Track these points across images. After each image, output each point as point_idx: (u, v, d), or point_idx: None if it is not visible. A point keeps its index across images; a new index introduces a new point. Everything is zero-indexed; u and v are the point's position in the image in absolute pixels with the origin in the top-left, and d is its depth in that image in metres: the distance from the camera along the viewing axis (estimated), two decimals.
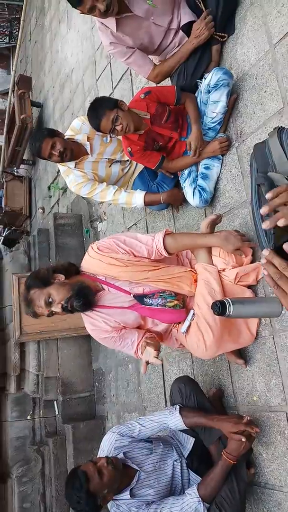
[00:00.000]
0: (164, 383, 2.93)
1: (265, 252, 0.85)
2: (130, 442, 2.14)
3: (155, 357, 1.91)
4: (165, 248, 1.99)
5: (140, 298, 2.06)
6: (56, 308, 1.96)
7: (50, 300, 1.95)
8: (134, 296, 2.05)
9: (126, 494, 1.96)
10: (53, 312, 2.00)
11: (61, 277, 2.00)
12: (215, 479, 1.90)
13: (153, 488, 2.02)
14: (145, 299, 2.05)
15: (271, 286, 0.87)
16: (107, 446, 2.13)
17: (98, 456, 2.07)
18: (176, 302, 2.06)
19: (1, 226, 7.37)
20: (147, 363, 1.96)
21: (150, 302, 2.05)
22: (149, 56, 2.51)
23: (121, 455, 2.07)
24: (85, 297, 1.98)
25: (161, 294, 2.06)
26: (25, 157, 6.92)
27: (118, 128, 2.21)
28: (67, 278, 2.01)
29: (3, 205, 7.07)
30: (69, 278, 2.01)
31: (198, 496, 1.90)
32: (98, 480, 1.88)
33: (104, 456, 2.02)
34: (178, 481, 2.11)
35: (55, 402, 3.98)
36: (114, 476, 1.92)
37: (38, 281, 1.97)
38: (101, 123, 2.23)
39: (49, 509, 3.59)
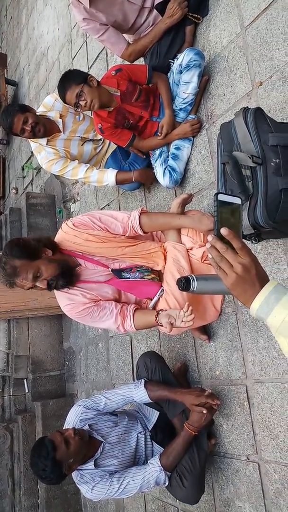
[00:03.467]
0: (132, 360, 2.99)
1: (209, 238, 0.93)
2: (95, 415, 2.18)
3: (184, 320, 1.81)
4: (140, 226, 2.01)
5: (117, 272, 2.08)
6: (41, 284, 1.94)
7: (38, 274, 1.92)
8: (112, 270, 2.08)
9: (90, 464, 2.02)
10: (35, 286, 1.96)
11: (49, 252, 1.97)
12: (176, 449, 1.98)
13: (117, 458, 2.08)
14: (122, 273, 2.08)
15: (213, 267, 0.95)
16: (73, 418, 2.17)
17: (64, 428, 2.11)
18: (153, 275, 2.11)
19: None
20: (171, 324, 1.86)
21: (128, 276, 2.08)
22: (123, 34, 2.51)
23: (86, 427, 2.11)
24: (70, 276, 2.00)
25: (139, 269, 2.09)
26: None
27: (82, 103, 2.23)
28: (53, 254, 1.99)
29: None
30: (54, 254, 2.00)
31: (160, 465, 1.97)
32: (65, 449, 1.92)
33: (71, 427, 2.07)
34: (141, 453, 2.18)
35: (25, 380, 4.00)
36: (80, 446, 1.97)
37: (27, 252, 1.92)
38: (66, 96, 2.26)
39: (17, 484, 3.63)
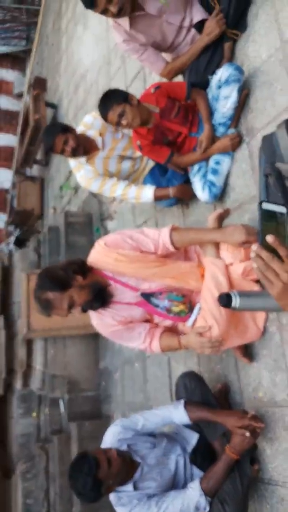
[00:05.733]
0: (170, 381, 2.93)
1: (254, 247, 0.92)
2: (133, 436, 2.14)
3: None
4: (171, 243, 1.99)
5: (147, 296, 2.06)
6: (76, 311, 1.96)
7: (71, 303, 1.93)
8: (141, 294, 2.06)
9: (129, 487, 1.97)
10: (71, 312, 1.98)
11: (80, 278, 1.97)
12: (218, 473, 1.90)
13: (155, 481, 2.02)
14: (151, 298, 2.06)
15: (259, 277, 0.93)
16: (111, 438, 2.13)
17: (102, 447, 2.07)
18: (182, 307, 2.06)
19: (13, 226, 7.45)
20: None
21: (157, 303, 2.06)
22: (162, 53, 2.55)
23: (124, 447, 2.07)
24: (103, 298, 2.01)
25: (169, 295, 2.06)
26: (38, 157, 7.01)
27: (124, 122, 2.25)
28: (83, 278, 1.99)
29: (15, 206, 7.15)
30: (85, 278, 1.99)
31: (201, 489, 1.89)
32: (107, 469, 1.88)
33: (113, 448, 2.02)
34: (181, 476, 2.10)
35: (60, 400, 3.99)
36: (122, 468, 1.92)
37: (58, 284, 1.92)
38: (108, 115, 2.28)
39: (52, 506, 3.58)
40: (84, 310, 1.98)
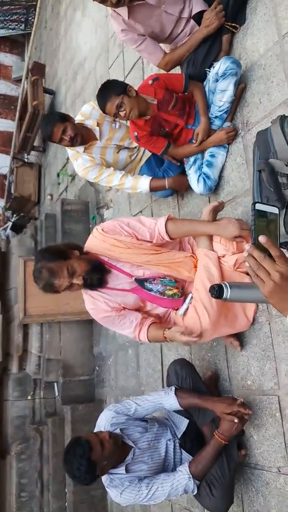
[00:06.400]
0: (162, 368, 2.99)
1: (246, 246, 0.95)
2: (126, 420, 2.20)
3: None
4: (167, 233, 2.04)
5: (141, 282, 2.11)
6: (77, 280, 2.02)
7: (73, 271, 2.00)
8: (135, 279, 2.11)
9: (121, 469, 2.03)
10: (72, 284, 2.03)
11: (76, 252, 2.07)
12: (206, 457, 1.97)
13: (146, 464, 2.09)
14: (145, 283, 2.11)
15: (251, 276, 0.96)
16: (104, 422, 2.18)
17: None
18: (175, 290, 2.12)
19: (10, 212, 7.45)
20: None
21: (150, 287, 2.11)
22: (160, 44, 2.55)
23: (118, 431, 2.13)
24: (101, 271, 2.07)
25: (162, 280, 2.11)
26: (35, 143, 6.98)
27: (122, 113, 2.27)
28: (80, 254, 2.08)
29: (12, 191, 7.14)
30: (82, 255, 2.08)
31: (189, 473, 1.96)
32: (100, 451, 1.93)
33: (105, 431, 2.08)
34: (170, 460, 2.17)
35: (55, 383, 4.07)
36: (114, 449, 1.98)
37: (58, 254, 2.02)
38: (106, 107, 2.30)
39: (45, 487, 3.68)
40: (86, 281, 2.03)
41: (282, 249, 1.70)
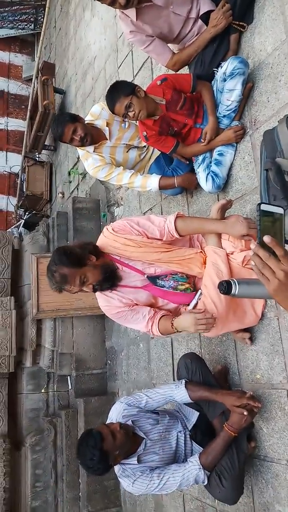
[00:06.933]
0: (173, 361, 3.05)
1: (252, 246, 0.98)
2: (137, 412, 2.25)
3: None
4: (176, 230, 2.08)
5: (153, 279, 2.17)
6: (87, 288, 2.08)
7: (84, 280, 2.05)
8: (147, 276, 2.17)
9: (133, 460, 2.09)
10: (81, 290, 2.10)
11: (94, 258, 2.10)
12: (216, 449, 2.01)
13: (158, 455, 2.15)
14: (157, 281, 2.16)
15: (257, 274, 1.00)
16: (116, 414, 2.25)
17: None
18: (187, 285, 2.17)
19: (23, 210, 7.55)
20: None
21: (163, 284, 2.16)
22: (168, 44, 2.59)
23: (129, 423, 2.18)
24: (113, 279, 2.13)
25: (173, 276, 2.16)
26: (46, 142, 7.04)
27: (131, 114, 2.32)
28: (96, 259, 2.11)
29: (24, 190, 7.23)
30: (98, 260, 2.12)
31: (199, 463, 2.01)
32: (112, 441, 1.99)
33: (116, 422, 2.14)
34: (181, 451, 2.23)
35: (68, 377, 4.15)
36: (125, 440, 2.04)
37: (75, 260, 2.05)
38: (115, 107, 2.35)
39: (59, 477, 3.77)
40: (95, 289, 2.10)
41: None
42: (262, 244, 0.98)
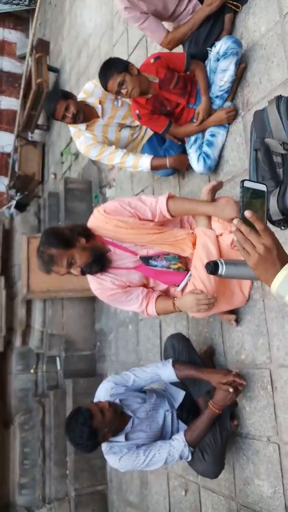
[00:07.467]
0: (160, 343, 3.08)
1: (235, 221, 1.00)
2: (125, 391, 2.28)
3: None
4: (168, 210, 2.08)
5: (145, 259, 2.18)
6: (75, 271, 2.07)
7: (72, 261, 2.04)
8: (140, 257, 2.17)
9: (121, 437, 2.12)
10: (70, 272, 2.08)
11: (83, 240, 2.08)
12: (200, 426, 2.06)
13: (145, 432, 2.18)
14: (150, 261, 2.17)
15: (239, 249, 1.02)
16: (103, 393, 2.27)
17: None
18: (180, 264, 2.18)
19: (14, 190, 7.48)
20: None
21: (155, 263, 2.17)
22: (163, 22, 2.55)
23: (117, 401, 2.21)
24: (103, 262, 2.12)
25: (166, 257, 2.17)
26: (40, 122, 6.96)
27: (123, 91, 2.29)
28: (86, 242, 2.10)
29: (16, 170, 7.16)
30: (88, 242, 2.10)
31: (185, 440, 2.05)
32: (101, 418, 2.02)
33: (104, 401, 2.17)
34: (168, 429, 2.27)
35: (57, 358, 4.18)
36: (114, 417, 2.06)
37: (62, 241, 2.03)
38: (108, 84, 2.32)
39: (47, 455, 3.83)
40: (83, 272, 2.09)
41: (274, 227, 1.76)
42: (244, 220, 1.00)
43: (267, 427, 2.05)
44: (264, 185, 1.05)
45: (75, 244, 2.06)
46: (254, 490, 2.12)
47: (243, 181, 1.03)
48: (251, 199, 1.04)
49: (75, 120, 2.79)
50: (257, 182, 1.06)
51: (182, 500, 2.74)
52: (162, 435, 2.25)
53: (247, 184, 1.04)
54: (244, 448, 2.20)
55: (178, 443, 2.07)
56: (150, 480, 3.14)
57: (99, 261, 2.10)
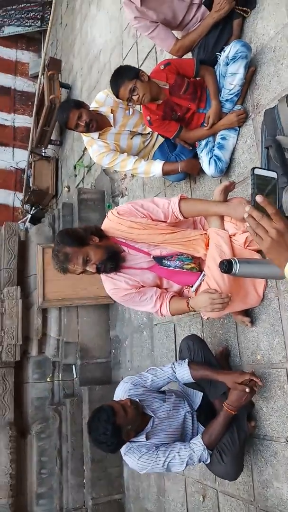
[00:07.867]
0: (175, 347, 3.08)
1: (247, 208, 1.02)
2: (143, 392, 2.28)
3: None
4: (180, 211, 2.11)
5: (159, 259, 2.20)
6: (91, 268, 2.10)
7: (87, 259, 2.08)
8: (153, 257, 2.20)
9: (142, 437, 2.11)
10: (85, 271, 2.12)
11: (96, 239, 2.13)
12: (217, 428, 2.04)
13: (165, 431, 2.17)
14: (163, 261, 2.20)
15: (251, 235, 1.04)
16: (122, 394, 2.27)
17: None
18: (193, 265, 2.20)
19: (29, 205, 7.61)
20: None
21: (169, 263, 2.20)
22: (172, 31, 2.62)
23: None
24: (117, 260, 2.15)
25: (179, 257, 2.20)
26: (52, 137, 7.09)
27: (135, 98, 2.35)
28: (99, 240, 2.15)
29: (30, 185, 7.29)
30: (101, 241, 2.15)
31: (203, 444, 2.03)
32: (124, 415, 2.00)
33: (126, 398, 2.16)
34: (188, 431, 2.25)
35: (73, 366, 4.19)
36: (136, 414, 2.06)
37: (76, 239, 2.08)
38: (119, 91, 2.38)
39: (64, 463, 3.81)
40: (98, 269, 2.12)
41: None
42: (256, 206, 1.02)
43: (285, 427, 2.02)
44: (275, 172, 1.07)
45: (89, 242, 2.11)
46: (273, 493, 2.09)
47: (253, 168, 1.05)
48: (261, 185, 1.06)
49: (88, 129, 2.86)
50: (267, 169, 1.08)
51: (200, 506, 2.70)
52: (182, 435, 2.24)
53: (258, 171, 1.06)
54: (262, 450, 2.17)
55: (197, 447, 2.04)
56: (168, 487, 3.10)
57: (114, 259, 2.13)
